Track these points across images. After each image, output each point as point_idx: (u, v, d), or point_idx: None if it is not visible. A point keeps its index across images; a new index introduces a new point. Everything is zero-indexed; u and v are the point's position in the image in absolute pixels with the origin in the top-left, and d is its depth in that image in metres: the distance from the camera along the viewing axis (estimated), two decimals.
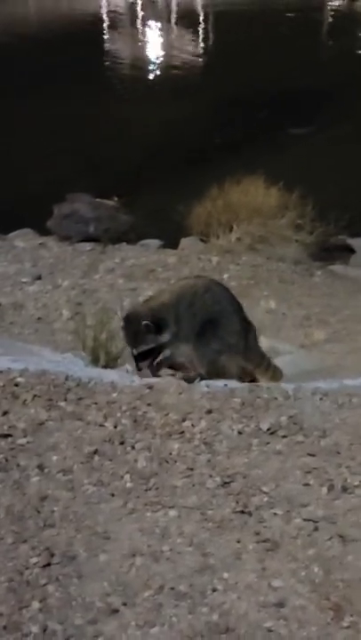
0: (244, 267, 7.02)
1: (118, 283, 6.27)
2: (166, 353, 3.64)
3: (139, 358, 3.63)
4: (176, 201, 7.61)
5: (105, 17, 17.13)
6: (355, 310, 6.17)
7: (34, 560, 2.32)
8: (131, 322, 3.58)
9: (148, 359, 3.63)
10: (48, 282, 6.13)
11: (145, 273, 6.58)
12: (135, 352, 3.61)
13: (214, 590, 2.24)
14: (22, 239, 7.29)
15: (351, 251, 7.63)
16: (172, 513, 2.55)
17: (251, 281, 6.68)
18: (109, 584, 2.26)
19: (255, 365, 3.64)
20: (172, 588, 2.25)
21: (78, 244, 7.23)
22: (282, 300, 6.31)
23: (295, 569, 2.31)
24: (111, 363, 4.05)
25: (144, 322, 3.50)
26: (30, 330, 5.23)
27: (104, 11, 17.61)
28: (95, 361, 4.02)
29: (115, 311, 5.01)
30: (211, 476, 2.73)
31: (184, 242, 7.52)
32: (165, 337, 3.57)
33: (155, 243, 7.50)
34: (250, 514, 2.55)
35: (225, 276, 6.76)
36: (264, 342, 4.22)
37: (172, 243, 7.50)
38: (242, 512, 2.56)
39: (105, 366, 3.98)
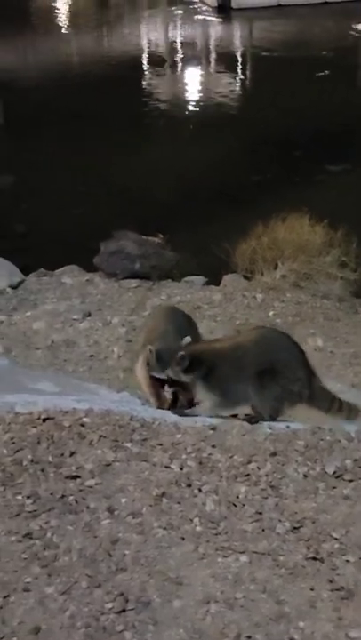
0: (289, 304, 7.01)
1: None
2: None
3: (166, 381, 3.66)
4: (218, 238, 7.64)
5: (144, 58, 17.47)
6: None
7: (109, 605, 2.31)
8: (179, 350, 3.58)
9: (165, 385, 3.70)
10: (98, 319, 6.16)
11: (191, 310, 6.56)
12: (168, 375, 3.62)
13: None
14: (69, 275, 7.36)
15: None
16: (243, 558, 2.53)
17: (296, 318, 6.67)
18: (185, 631, 2.24)
19: (326, 411, 3.62)
20: (249, 637, 2.23)
21: (124, 281, 7.27)
22: (328, 338, 6.28)
23: None
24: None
25: (181, 353, 3.50)
26: (84, 367, 5.25)
27: (144, 51, 18.01)
28: None
29: None
30: (280, 520, 2.71)
31: (226, 279, 7.54)
32: (187, 378, 3.55)
33: (199, 279, 7.54)
34: (322, 560, 2.53)
35: (270, 313, 6.77)
36: None
37: (216, 280, 7.53)
38: (314, 559, 2.54)
39: None
